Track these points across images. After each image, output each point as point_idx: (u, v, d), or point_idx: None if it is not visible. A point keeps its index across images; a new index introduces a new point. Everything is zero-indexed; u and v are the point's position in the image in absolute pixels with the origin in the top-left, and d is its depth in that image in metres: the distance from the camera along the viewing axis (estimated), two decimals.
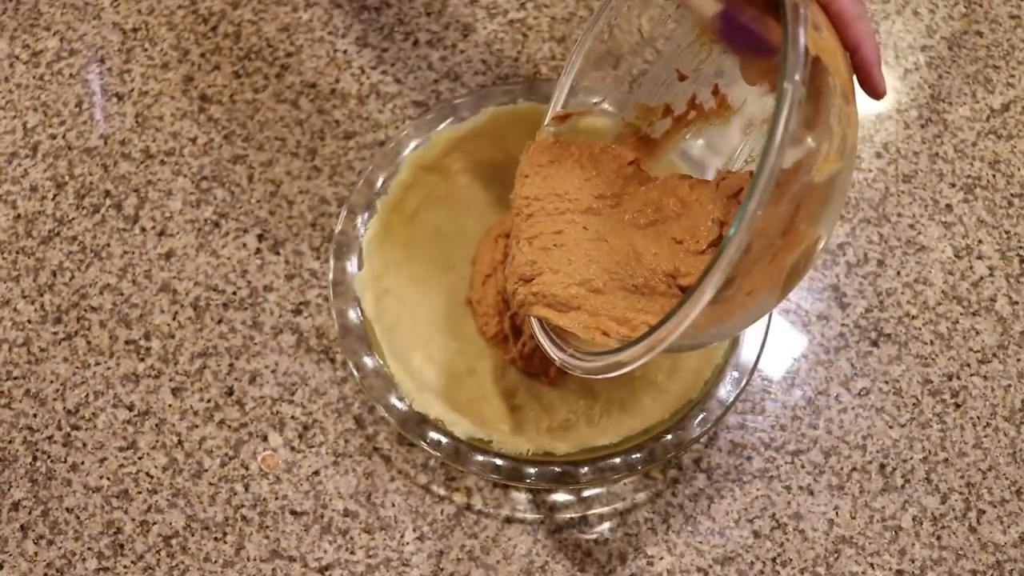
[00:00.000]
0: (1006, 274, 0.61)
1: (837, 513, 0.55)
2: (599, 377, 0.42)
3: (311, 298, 0.59)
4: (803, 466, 0.56)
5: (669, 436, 0.52)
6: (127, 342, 0.58)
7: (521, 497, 0.54)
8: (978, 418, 0.57)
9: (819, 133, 0.36)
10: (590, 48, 0.50)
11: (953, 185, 0.63)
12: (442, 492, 0.54)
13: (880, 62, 0.40)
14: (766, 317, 0.54)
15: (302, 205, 0.61)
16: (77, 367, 0.57)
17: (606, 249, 0.46)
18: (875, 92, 0.41)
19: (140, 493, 0.54)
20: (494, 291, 0.56)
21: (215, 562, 0.53)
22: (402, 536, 0.53)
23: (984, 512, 0.55)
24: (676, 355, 0.56)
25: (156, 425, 0.56)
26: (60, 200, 0.61)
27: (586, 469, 0.52)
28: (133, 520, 0.54)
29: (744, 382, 0.53)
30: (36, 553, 0.53)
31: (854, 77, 0.40)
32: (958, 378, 0.58)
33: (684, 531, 0.54)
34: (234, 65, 0.65)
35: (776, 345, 0.58)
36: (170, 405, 0.56)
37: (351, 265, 0.55)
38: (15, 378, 0.57)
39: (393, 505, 0.54)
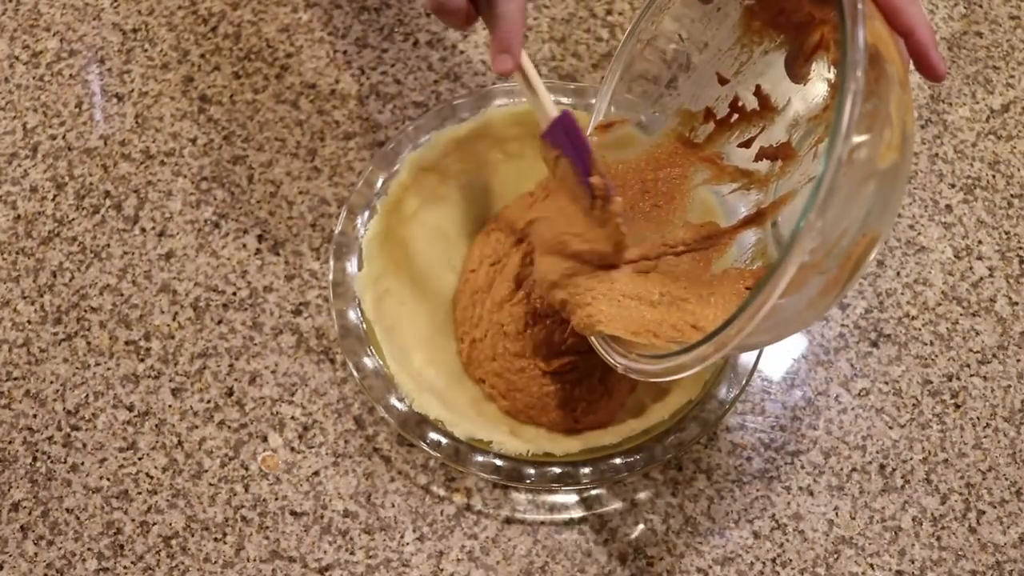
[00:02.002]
0: (1006, 275, 0.61)
1: (837, 514, 0.55)
2: (664, 380, 0.42)
3: (311, 299, 0.59)
4: (803, 467, 0.56)
5: (669, 437, 0.52)
6: (127, 343, 0.58)
7: (521, 497, 0.54)
8: (978, 419, 0.57)
9: (881, 122, 0.36)
10: (626, 63, 0.50)
11: (953, 186, 0.63)
12: (442, 493, 0.54)
13: (936, 44, 0.39)
14: None
15: (302, 206, 0.61)
16: (77, 368, 0.57)
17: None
18: (936, 74, 0.40)
19: (140, 494, 0.54)
20: (470, 291, 0.57)
21: (215, 563, 0.53)
22: (402, 537, 0.53)
23: (984, 513, 0.55)
24: None
25: (156, 426, 0.56)
26: (60, 201, 0.61)
27: (586, 469, 0.52)
28: (133, 521, 0.54)
29: (744, 383, 0.53)
30: (36, 554, 0.53)
31: (910, 63, 0.40)
32: (958, 379, 0.58)
33: (684, 531, 0.54)
34: (234, 66, 0.65)
35: (776, 346, 0.58)
36: (170, 406, 0.56)
37: (351, 266, 0.55)
38: (15, 378, 0.57)
39: (393, 506, 0.54)
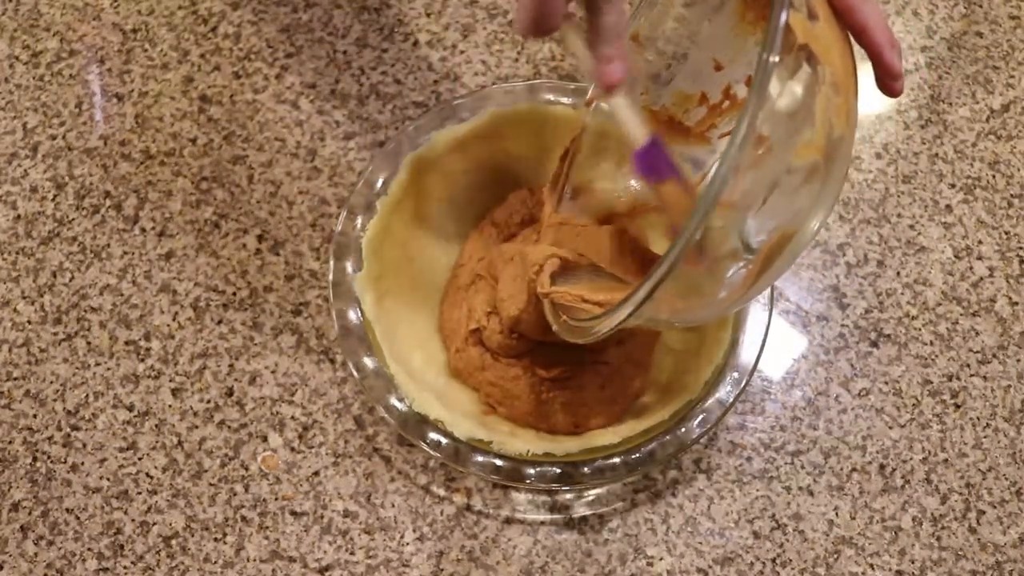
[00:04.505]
0: (1006, 275, 0.61)
1: (837, 514, 0.55)
2: (582, 341, 0.43)
3: (311, 299, 0.59)
4: (803, 467, 0.56)
5: (669, 436, 0.52)
6: (127, 343, 0.58)
7: (521, 497, 0.54)
8: (978, 419, 0.57)
9: (800, 118, 0.36)
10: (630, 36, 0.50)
11: (953, 186, 0.63)
12: (442, 493, 0.54)
13: (892, 44, 0.39)
14: (765, 318, 0.54)
15: (302, 206, 0.61)
16: (77, 368, 0.57)
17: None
18: (890, 73, 0.39)
19: (140, 494, 0.54)
20: (454, 290, 0.57)
21: (215, 563, 0.53)
22: (402, 537, 0.53)
23: (984, 513, 0.55)
24: (677, 355, 0.56)
25: (156, 426, 0.56)
26: (60, 201, 0.61)
27: (586, 469, 0.52)
28: (133, 521, 0.54)
29: (744, 382, 0.53)
30: (36, 554, 0.53)
31: (861, 71, 0.40)
32: (958, 379, 0.58)
33: (684, 531, 0.54)
34: (234, 66, 0.65)
35: (776, 346, 0.58)
36: (170, 406, 0.56)
37: (351, 266, 0.55)
38: (15, 378, 0.57)
39: (393, 506, 0.54)
